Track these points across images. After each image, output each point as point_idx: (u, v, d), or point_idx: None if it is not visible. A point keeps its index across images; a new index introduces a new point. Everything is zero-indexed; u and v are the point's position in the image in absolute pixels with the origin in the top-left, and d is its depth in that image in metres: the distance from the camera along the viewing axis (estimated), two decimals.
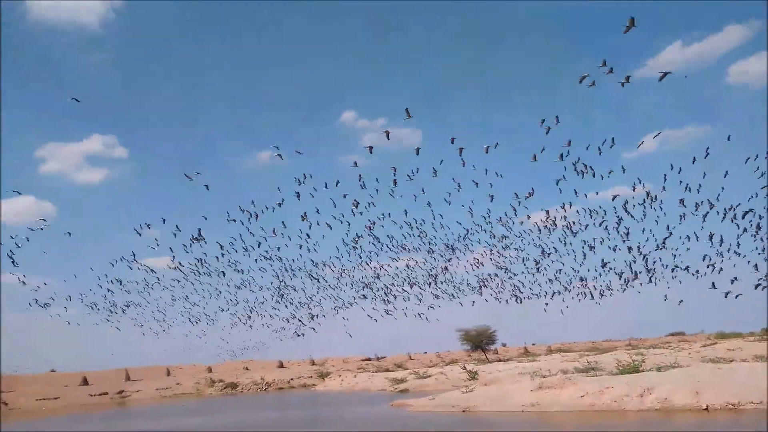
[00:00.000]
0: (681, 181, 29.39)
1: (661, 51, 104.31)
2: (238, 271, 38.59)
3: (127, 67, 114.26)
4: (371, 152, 28.10)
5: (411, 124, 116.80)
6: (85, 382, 63.01)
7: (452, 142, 27.03)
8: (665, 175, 29.81)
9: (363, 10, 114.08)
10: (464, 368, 38.84)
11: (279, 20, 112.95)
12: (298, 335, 45.69)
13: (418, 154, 29.43)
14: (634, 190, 31.21)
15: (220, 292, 42.41)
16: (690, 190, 29.53)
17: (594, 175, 28.66)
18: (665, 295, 33.55)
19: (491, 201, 33.11)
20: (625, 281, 33.81)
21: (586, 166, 28.16)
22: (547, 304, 38.37)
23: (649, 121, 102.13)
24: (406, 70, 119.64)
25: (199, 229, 33.23)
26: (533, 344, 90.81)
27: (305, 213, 32.99)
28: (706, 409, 18.24)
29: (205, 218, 33.81)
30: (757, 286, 29.20)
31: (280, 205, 32.34)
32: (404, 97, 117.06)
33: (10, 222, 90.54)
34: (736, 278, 29.42)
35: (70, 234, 35.57)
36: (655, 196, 30.78)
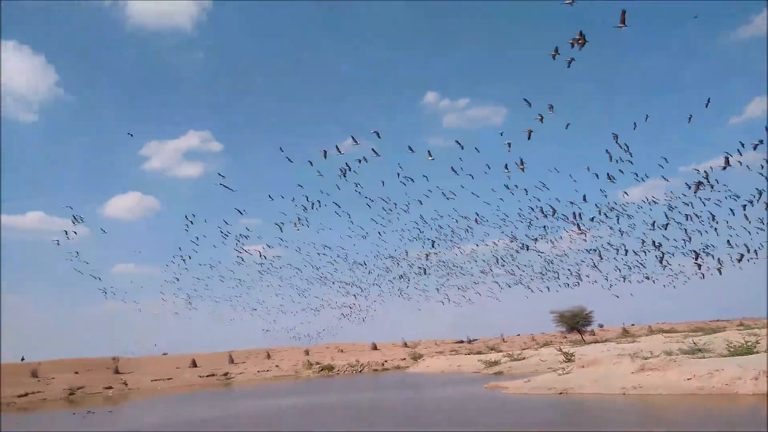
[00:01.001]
0: None
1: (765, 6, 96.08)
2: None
3: (217, 65, 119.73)
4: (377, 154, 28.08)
5: (493, 103, 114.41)
6: (194, 364, 67.39)
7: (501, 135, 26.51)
8: None
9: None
10: (560, 350, 37.98)
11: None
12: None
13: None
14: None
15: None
16: None
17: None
18: None
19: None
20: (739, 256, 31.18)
21: None
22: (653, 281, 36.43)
23: (755, 85, 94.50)
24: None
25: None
26: (632, 325, 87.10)
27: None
28: None
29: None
30: None
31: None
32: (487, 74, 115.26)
33: (122, 217, 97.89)
34: None
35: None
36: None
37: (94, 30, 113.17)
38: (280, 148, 29.96)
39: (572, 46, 17.26)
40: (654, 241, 33.65)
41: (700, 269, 33.15)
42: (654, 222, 33.32)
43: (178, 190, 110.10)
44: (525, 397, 24.15)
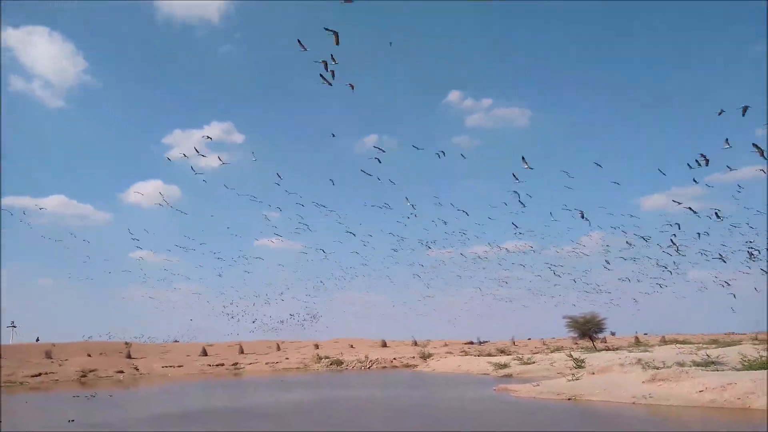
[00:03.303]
0: None
1: None
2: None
3: (245, 58, 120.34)
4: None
5: (518, 104, 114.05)
6: (204, 353, 67.99)
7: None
8: None
9: None
10: (570, 356, 37.72)
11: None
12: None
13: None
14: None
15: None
16: None
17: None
18: None
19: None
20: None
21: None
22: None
23: None
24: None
25: None
26: (645, 334, 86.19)
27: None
28: None
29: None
30: None
31: None
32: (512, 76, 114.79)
33: (144, 204, 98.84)
34: None
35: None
36: None
37: (124, 19, 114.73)
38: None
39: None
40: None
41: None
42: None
43: (199, 179, 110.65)
44: (534, 401, 24.04)
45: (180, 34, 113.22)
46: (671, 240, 33.70)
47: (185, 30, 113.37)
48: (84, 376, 50.23)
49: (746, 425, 16.41)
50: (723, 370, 24.76)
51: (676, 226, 33.35)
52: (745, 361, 25.77)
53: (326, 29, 17.52)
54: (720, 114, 21.61)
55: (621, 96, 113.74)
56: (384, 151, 28.90)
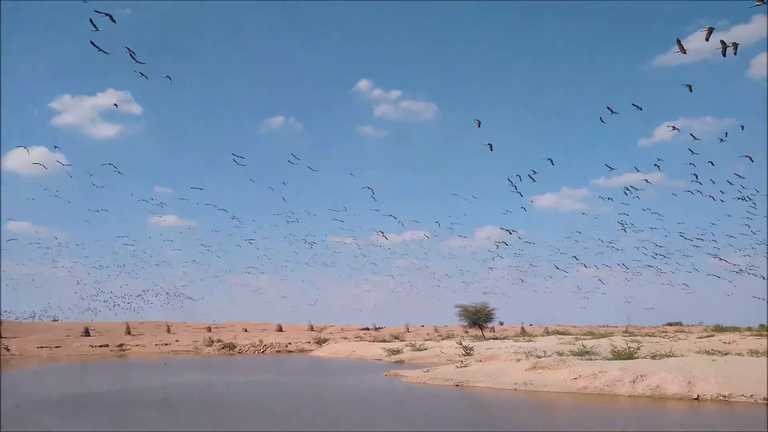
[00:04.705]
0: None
1: (685, 38, 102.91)
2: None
3: (146, 23, 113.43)
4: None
5: (424, 98, 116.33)
6: (87, 333, 64.04)
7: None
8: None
9: None
10: (460, 344, 39.19)
11: None
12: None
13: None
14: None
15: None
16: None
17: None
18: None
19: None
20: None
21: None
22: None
23: (667, 110, 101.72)
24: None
25: None
26: (530, 325, 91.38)
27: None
28: (697, 398, 18.39)
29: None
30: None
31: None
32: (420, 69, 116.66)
33: (24, 173, 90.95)
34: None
35: None
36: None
37: None
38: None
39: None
40: None
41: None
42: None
43: (88, 147, 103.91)
44: (422, 386, 24.76)
45: None
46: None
47: None
48: None
49: (612, 409, 17.82)
50: (596, 360, 26.75)
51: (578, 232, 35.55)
52: (615, 351, 28.02)
53: (97, 11, 15.16)
54: (607, 119, 23.03)
55: (521, 98, 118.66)
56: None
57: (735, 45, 16.61)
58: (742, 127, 30.70)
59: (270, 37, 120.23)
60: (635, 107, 22.08)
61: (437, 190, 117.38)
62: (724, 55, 16.12)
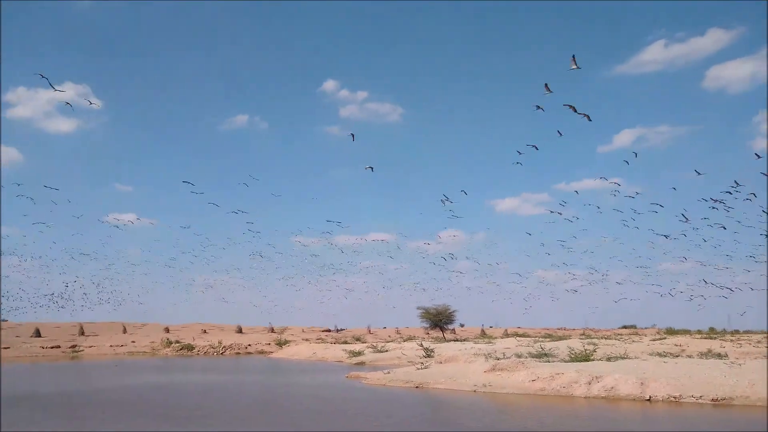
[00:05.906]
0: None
1: (644, 48, 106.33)
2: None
3: (106, 19, 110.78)
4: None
5: (391, 100, 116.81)
6: (38, 333, 61.97)
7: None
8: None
9: None
10: (420, 345, 39.35)
11: None
12: None
13: None
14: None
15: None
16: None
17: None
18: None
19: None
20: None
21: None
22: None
23: (625, 118, 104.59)
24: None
25: None
26: (491, 327, 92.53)
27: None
28: (649, 399, 18.92)
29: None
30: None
31: None
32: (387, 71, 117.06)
33: None
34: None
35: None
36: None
37: None
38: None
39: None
40: None
41: None
42: None
43: (43, 140, 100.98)
44: (383, 388, 24.79)
45: None
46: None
47: None
48: None
49: (567, 410, 18.17)
50: (554, 362, 27.23)
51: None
52: (572, 353, 28.58)
53: None
54: (564, 130, 24.00)
55: (490, 100, 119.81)
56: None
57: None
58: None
59: (236, 35, 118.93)
60: (585, 117, 22.55)
61: (401, 192, 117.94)
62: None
